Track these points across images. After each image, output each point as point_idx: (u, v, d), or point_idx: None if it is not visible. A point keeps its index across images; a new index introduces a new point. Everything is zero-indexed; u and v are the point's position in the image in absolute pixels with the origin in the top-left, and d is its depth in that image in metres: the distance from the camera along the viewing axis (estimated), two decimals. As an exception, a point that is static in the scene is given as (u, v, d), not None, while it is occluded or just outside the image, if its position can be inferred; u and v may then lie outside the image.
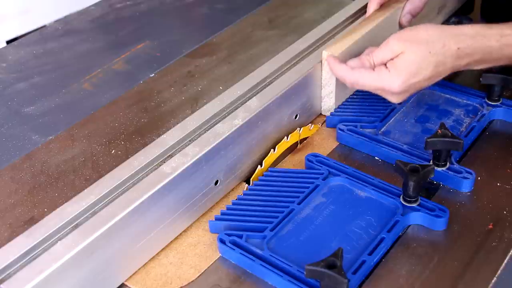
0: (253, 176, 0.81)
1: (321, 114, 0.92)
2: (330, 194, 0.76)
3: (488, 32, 0.79)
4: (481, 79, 0.86)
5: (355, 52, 0.89)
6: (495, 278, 0.66)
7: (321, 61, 0.87)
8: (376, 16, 0.93)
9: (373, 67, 0.82)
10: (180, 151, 0.73)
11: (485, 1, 1.13)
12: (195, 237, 0.74)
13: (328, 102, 0.90)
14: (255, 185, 0.78)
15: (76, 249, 0.61)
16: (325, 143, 0.87)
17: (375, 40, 0.93)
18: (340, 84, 0.89)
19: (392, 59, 0.80)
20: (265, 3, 1.18)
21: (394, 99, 0.82)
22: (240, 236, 0.70)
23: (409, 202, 0.73)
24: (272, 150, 0.83)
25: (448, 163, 0.78)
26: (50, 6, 1.34)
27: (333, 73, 0.86)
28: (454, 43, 0.78)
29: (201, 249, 0.72)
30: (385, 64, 0.80)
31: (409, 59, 0.78)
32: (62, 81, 1.00)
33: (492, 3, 1.10)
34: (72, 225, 0.64)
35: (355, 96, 0.92)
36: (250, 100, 0.81)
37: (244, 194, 0.76)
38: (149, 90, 0.95)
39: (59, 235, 0.63)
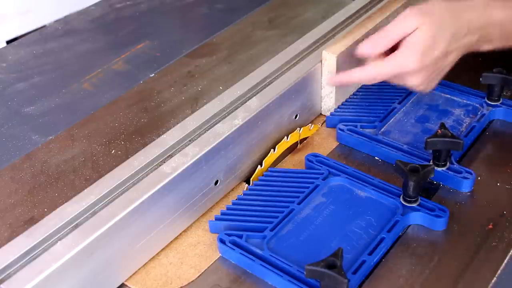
0: (253, 176, 0.81)
1: (321, 114, 0.92)
2: (330, 194, 0.77)
3: (498, 3, 0.79)
4: (481, 79, 0.86)
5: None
6: (495, 278, 0.66)
7: (321, 61, 0.87)
8: (376, 16, 0.94)
9: (390, 45, 0.79)
10: (180, 151, 0.73)
11: None
12: (195, 237, 0.74)
13: (328, 102, 0.90)
14: (255, 185, 0.78)
15: (76, 249, 0.61)
16: (325, 143, 0.87)
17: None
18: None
19: (404, 37, 0.78)
20: (265, 3, 1.18)
21: (415, 80, 0.79)
22: (240, 236, 0.70)
23: (409, 202, 0.73)
24: (272, 150, 0.83)
25: (448, 163, 0.78)
26: (50, 6, 1.34)
27: (349, 83, 0.84)
28: (466, 16, 0.78)
29: (201, 249, 0.72)
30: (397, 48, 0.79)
31: (423, 34, 0.77)
32: (62, 81, 1.00)
33: None
34: (72, 225, 0.64)
35: (355, 96, 0.92)
36: (250, 100, 0.81)
37: (244, 194, 0.76)
38: (149, 90, 0.95)
39: (59, 235, 0.63)
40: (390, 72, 0.79)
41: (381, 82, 0.95)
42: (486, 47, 0.82)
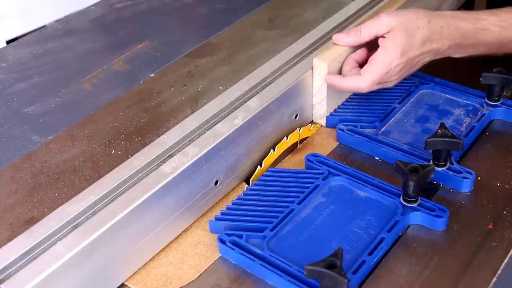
0: (253, 176, 0.81)
1: (312, 121, 0.91)
2: (330, 194, 0.77)
3: (465, 15, 0.85)
4: (481, 79, 0.86)
5: None
6: (495, 278, 0.66)
7: (312, 69, 0.87)
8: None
9: (360, 40, 0.85)
10: (180, 151, 0.73)
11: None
12: (195, 237, 0.74)
13: (319, 109, 0.90)
14: (255, 185, 0.78)
15: (76, 249, 0.61)
16: (325, 143, 0.87)
17: (366, 47, 0.92)
18: (331, 92, 0.88)
19: (383, 36, 0.83)
20: (265, 3, 1.18)
21: (394, 75, 0.83)
22: (240, 236, 0.70)
23: (409, 202, 0.73)
24: (272, 150, 0.83)
25: (448, 163, 0.78)
26: (50, 6, 1.34)
27: (341, 89, 0.86)
28: (438, 21, 0.83)
29: (201, 249, 0.72)
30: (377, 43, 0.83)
31: (398, 34, 0.81)
32: (62, 81, 1.00)
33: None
34: (72, 225, 0.64)
35: (355, 96, 0.92)
36: (250, 100, 0.81)
37: (244, 194, 0.77)
38: (149, 90, 0.94)
39: (59, 235, 0.63)
40: (380, 71, 0.82)
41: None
42: (458, 54, 0.87)
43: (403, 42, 0.81)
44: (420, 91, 0.93)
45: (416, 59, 0.83)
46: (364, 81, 0.82)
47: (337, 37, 0.87)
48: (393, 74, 0.83)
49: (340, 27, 0.97)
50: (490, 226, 0.72)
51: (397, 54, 0.81)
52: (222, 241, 0.70)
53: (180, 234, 0.74)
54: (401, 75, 0.85)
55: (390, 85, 0.86)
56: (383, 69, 0.81)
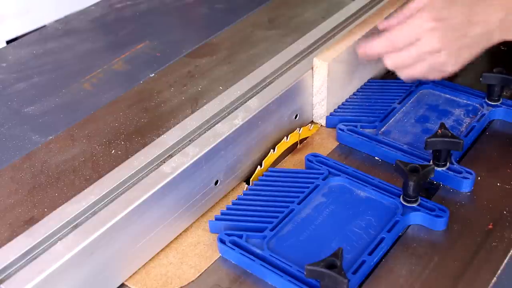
0: (253, 176, 0.81)
1: (312, 121, 0.91)
2: (330, 194, 0.77)
3: None
4: (481, 79, 0.86)
5: (348, 59, 0.88)
6: (495, 278, 0.66)
7: (312, 69, 0.87)
8: (370, 22, 0.93)
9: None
10: (180, 151, 0.73)
11: None
12: (195, 237, 0.74)
13: (319, 109, 0.90)
14: (255, 185, 0.78)
15: (76, 249, 0.61)
16: (325, 143, 0.87)
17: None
18: (331, 92, 0.88)
19: None
20: (265, 3, 1.18)
21: (434, 42, 0.76)
22: (240, 236, 0.70)
23: (409, 202, 0.73)
24: (272, 150, 0.83)
25: (448, 163, 0.78)
26: (50, 6, 1.34)
27: (373, 54, 0.83)
28: None
29: (201, 249, 0.72)
30: None
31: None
32: (62, 81, 1.00)
33: None
34: (72, 225, 0.64)
35: (355, 96, 0.92)
36: (250, 100, 0.81)
37: (244, 194, 0.77)
38: (149, 90, 0.94)
39: (59, 235, 0.63)
40: (407, 34, 0.78)
41: (381, 81, 0.95)
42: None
43: (439, 4, 0.75)
44: (420, 91, 0.93)
45: (464, 31, 0.75)
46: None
47: (380, 24, 0.85)
48: (424, 36, 0.76)
49: (340, 27, 0.97)
50: (490, 226, 0.72)
51: (429, 14, 0.75)
52: (222, 241, 0.70)
53: (180, 234, 0.74)
54: (447, 47, 0.76)
55: (443, 60, 0.78)
56: (406, 23, 0.77)
